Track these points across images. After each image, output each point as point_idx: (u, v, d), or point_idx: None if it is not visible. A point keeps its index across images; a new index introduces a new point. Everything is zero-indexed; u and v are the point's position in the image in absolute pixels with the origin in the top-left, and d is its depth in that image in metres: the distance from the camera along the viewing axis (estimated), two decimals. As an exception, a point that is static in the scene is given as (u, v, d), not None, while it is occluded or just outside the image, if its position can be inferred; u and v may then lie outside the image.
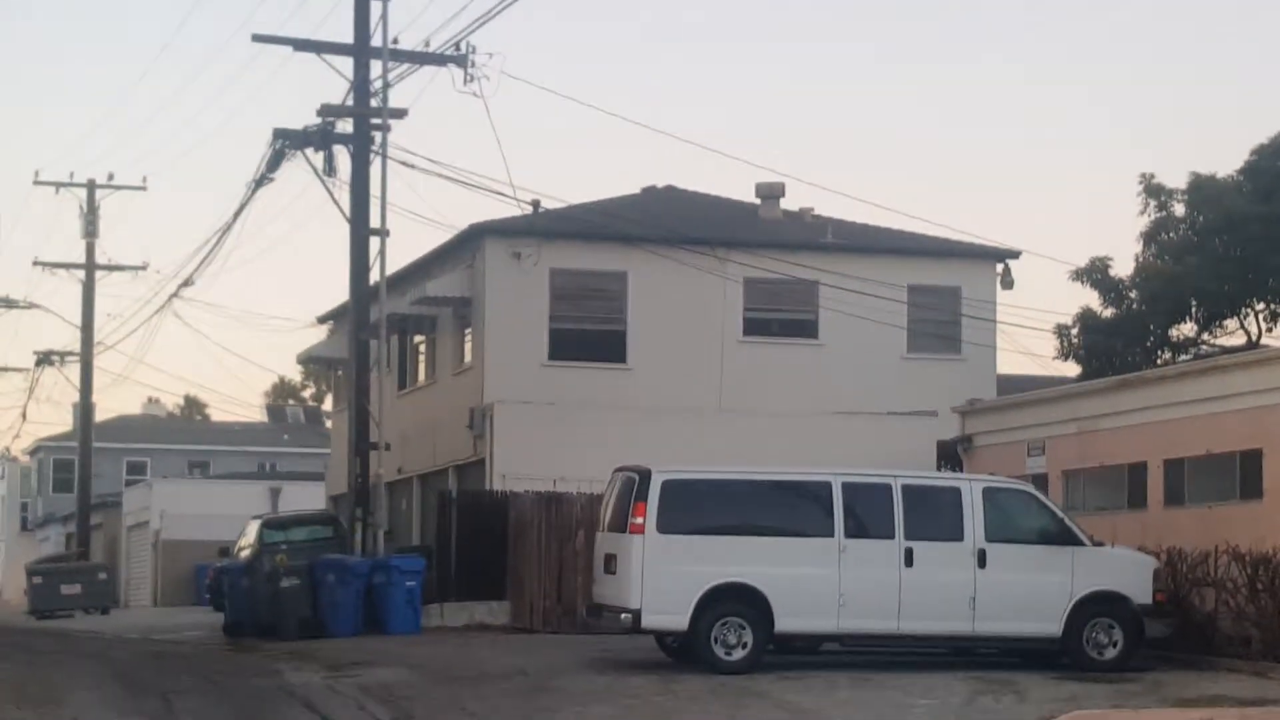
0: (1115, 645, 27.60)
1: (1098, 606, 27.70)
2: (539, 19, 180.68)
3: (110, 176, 63.94)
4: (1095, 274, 52.62)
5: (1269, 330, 50.34)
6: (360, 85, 38.47)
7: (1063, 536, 28.38)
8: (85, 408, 66.25)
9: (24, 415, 78.93)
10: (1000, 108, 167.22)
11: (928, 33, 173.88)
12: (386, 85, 39.06)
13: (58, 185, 63.56)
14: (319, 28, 44.11)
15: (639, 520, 27.00)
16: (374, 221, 38.90)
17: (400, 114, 39.86)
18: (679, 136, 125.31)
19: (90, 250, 64.90)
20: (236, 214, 45.89)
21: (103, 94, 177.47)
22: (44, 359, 70.99)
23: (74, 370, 67.23)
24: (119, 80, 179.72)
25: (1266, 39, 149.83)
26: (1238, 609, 29.20)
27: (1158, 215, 52.73)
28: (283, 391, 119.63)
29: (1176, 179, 52.94)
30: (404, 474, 44.84)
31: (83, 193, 63.89)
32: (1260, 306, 50.41)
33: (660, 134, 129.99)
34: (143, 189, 64.46)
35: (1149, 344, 50.15)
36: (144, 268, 64.45)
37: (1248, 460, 31.22)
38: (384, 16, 38.62)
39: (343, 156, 38.93)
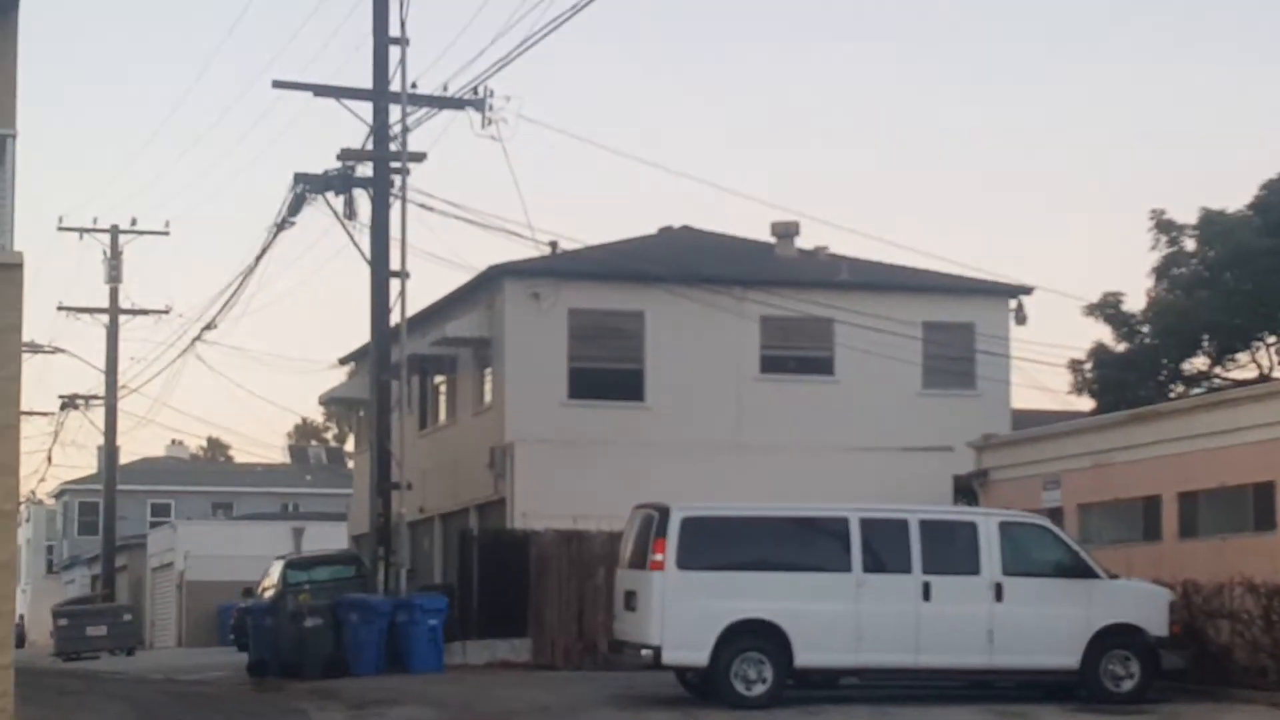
0: (1132, 677, 27.63)
1: (1114, 639, 27.71)
2: (557, 62, 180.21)
3: (133, 222, 64.15)
4: (1108, 309, 52.71)
5: (1280, 363, 50.43)
6: (379, 129, 38.49)
7: (1078, 570, 28.43)
8: (109, 451, 66.30)
9: (49, 459, 78.61)
10: (1013, 144, 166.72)
11: (940, 69, 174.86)
12: (405, 129, 39.03)
13: (81, 231, 63.67)
14: (338, 73, 44.21)
15: (659, 557, 27.09)
16: (394, 264, 38.81)
17: (419, 157, 39.89)
18: (695, 177, 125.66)
19: (114, 295, 65.10)
20: (258, 257, 46.04)
21: (126, 139, 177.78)
22: (68, 402, 71.06)
23: (98, 413, 67.20)
24: (142, 126, 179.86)
25: (1277, 74, 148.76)
26: (1253, 640, 29.19)
27: (1169, 250, 52.69)
28: (305, 433, 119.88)
29: (1187, 214, 52.95)
30: (425, 513, 44.74)
31: (106, 238, 63.98)
32: (1271, 340, 50.35)
33: (676, 175, 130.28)
34: (166, 234, 64.63)
35: (1161, 378, 50.15)
36: (167, 311, 64.77)
37: (1260, 492, 31.26)
38: (402, 61, 38.63)
39: (363, 200, 38.99)
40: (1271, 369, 49.91)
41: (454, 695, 29.84)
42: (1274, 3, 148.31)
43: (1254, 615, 29.04)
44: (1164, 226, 53.18)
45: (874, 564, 27.54)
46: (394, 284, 39.18)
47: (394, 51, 38.67)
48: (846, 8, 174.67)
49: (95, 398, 68.01)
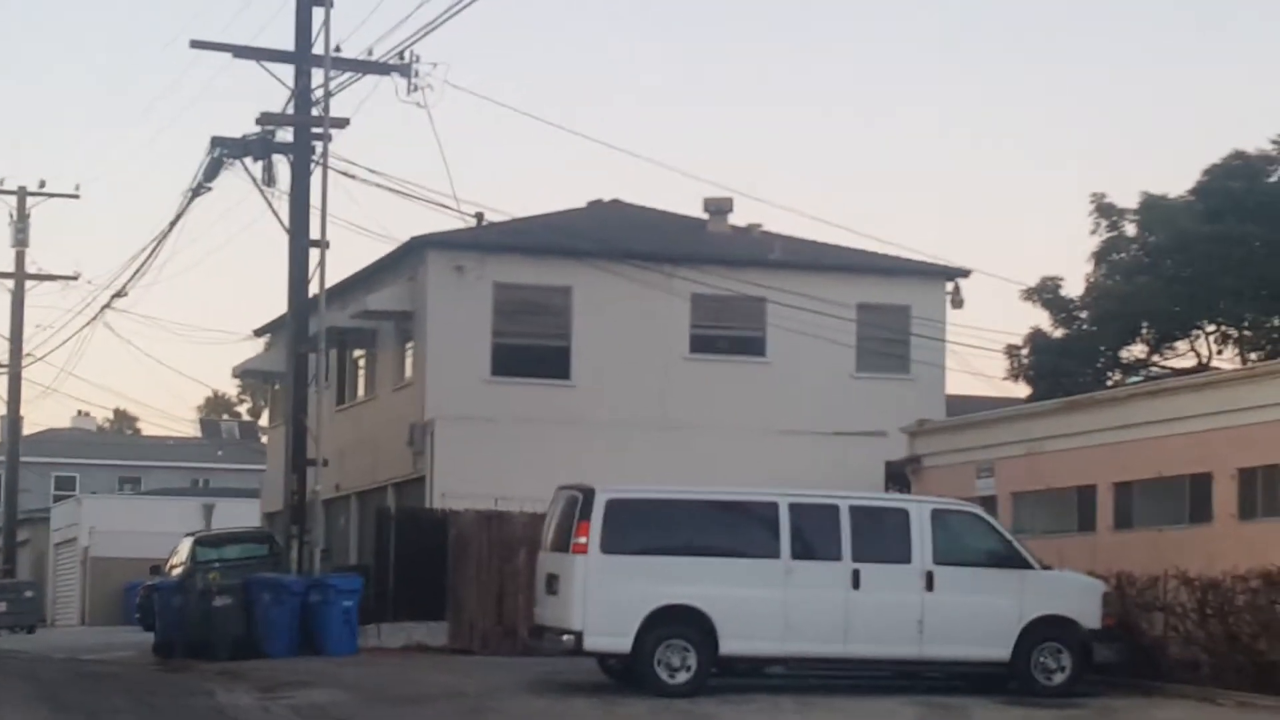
0: (1063, 670, 27.83)
1: (1046, 630, 27.91)
2: (488, 29, 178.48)
3: (42, 184, 63.78)
4: (1046, 294, 52.69)
5: (1219, 353, 50.37)
6: (301, 94, 38.23)
7: (1011, 560, 28.63)
8: (12, 421, 65.96)
9: None
10: (952, 126, 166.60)
11: (879, 51, 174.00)
12: (328, 94, 38.73)
13: (-14, 192, 63.45)
14: (259, 34, 43.92)
15: (582, 540, 27.13)
16: (314, 233, 38.51)
17: (342, 123, 39.63)
18: (626, 150, 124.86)
19: (20, 259, 64.76)
20: (172, 224, 45.57)
21: (37, 98, 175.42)
22: (-32, 370, 70.78)
23: (1, 382, 66.83)
24: (55, 85, 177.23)
25: (1218, 59, 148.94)
26: (1187, 634, 29.46)
27: (1109, 235, 52.79)
28: (217, 406, 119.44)
29: (1128, 199, 53.13)
30: (342, 491, 44.73)
31: (13, 200, 63.71)
32: (1211, 328, 50.34)
33: (607, 147, 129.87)
34: (76, 197, 64.34)
35: (1099, 365, 50.30)
36: (75, 278, 64.32)
37: (1197, 484, 31.49)
38: (326, 24, 38.21)
39: (282, 166, 38.79)
40: (1210, 358, 50.09)
41: (368, 678, 29.81)
42: None
43: (1188, 609, 29.31)
44: (1104, 210, 53.18)
45: (803, 550, 27.65)
46: (313, 254, 38.86)
47: (317, 13, 38.38)
48: None
49: (-2, 367, 67.80)
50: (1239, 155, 51.26)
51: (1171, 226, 50.54)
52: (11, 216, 62.92)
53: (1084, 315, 52.06)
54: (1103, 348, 51.36)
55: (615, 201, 48.62)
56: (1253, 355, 48.33)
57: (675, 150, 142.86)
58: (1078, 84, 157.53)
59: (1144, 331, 51.33)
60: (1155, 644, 29.67)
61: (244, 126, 39.80)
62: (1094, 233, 53.23)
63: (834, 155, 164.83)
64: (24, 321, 64.06)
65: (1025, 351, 51.75)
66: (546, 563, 28.54)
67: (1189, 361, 50.41)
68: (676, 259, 42.94)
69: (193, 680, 30.58)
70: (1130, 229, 52.32)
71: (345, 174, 40.17)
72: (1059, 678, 27.70)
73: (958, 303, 44.91)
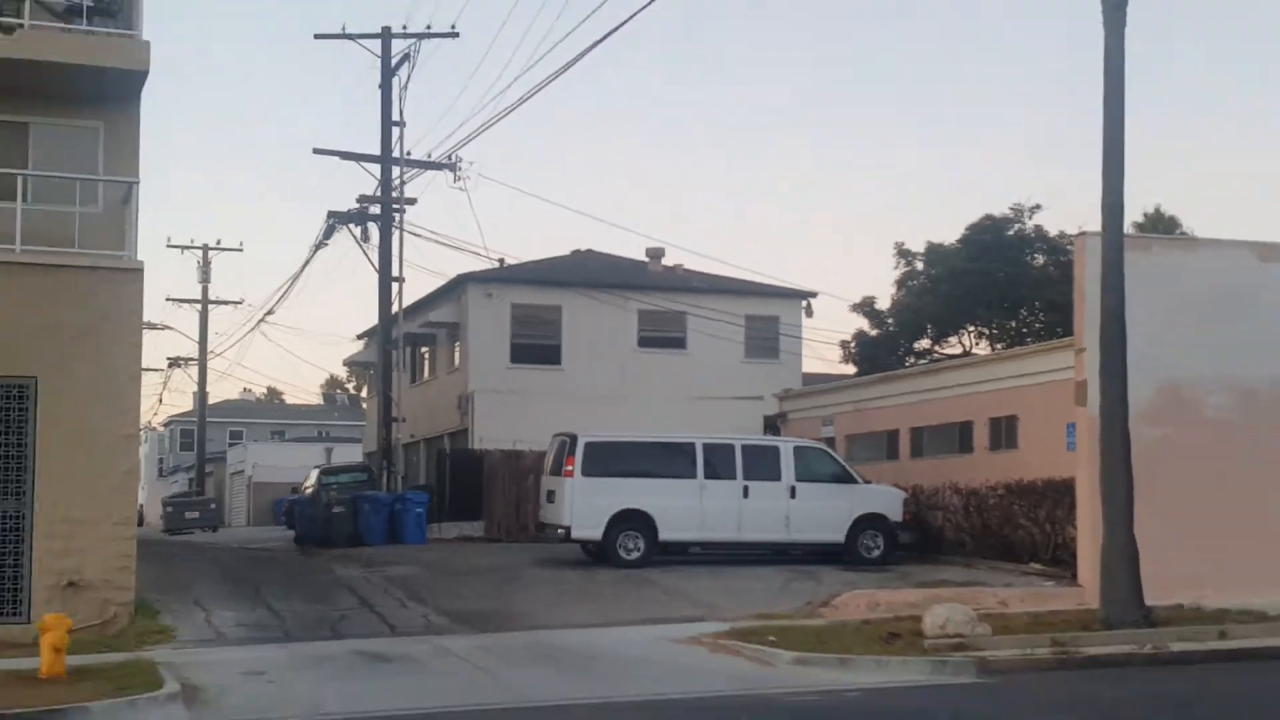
0: (879, 548, 28.54)
1: (867, 522, 28.58)
2: (507, 131, 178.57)
3: (218, 241, 63.40)
4: (865, 307, 54.19)
5: (975, 344, 51.61)
6: (385, 182, 38.49)
7: (845, 478, 29.21)
8: (201, 395, 65.68)
9: (160, 400, 79.61)
10: (810, 188, 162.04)
11: (748, 131, 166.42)
12: (402, 182, 39.17)
13: (182, 248, 63.06)
14: (358, 141, 44.23)
15: (570, 468, 27.69)
16: (395, 272, 38.95)
17: (411, 201, 40.17)
18: (595, 216, 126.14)
19: (204, 291, 64.22)
20: (303, 267, 47.63)
21: (213, 178, 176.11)
22: (174, 363, 70.88)
23: (194, 370, 67.16)
24: (223, 171, 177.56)
25: (983, 145, 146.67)
26: (957, 524, 30.04)
27: (905, 269, 54.20)
28: (333, 384, 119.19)
29: (918, 244, 54.33)
30: (414, 439, 44.63)
31: (199, 253, 63.48)
32: (970, 329, 52.04)
33: (583, 214, 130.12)
34: (240, 250, 63.96)
35: (899, 353, 51.12)
36: (240, 302, 64.77)
37: (963, 428, 31.84)
38: (400, 138, 38.79)
39: (373, 229, 39.03)
40: (970, 348, 51.12)
41: (433, 558, 30.04)
42: (985, 76, 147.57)
43: (957, 508, 29.74)
44: (903, 253, 54.76)
45: (712, 473, 28.13)
46: (394, 286, 39.36)
47: (395, 131, 38.84)
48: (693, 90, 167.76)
49: (191, 359, 67.71)
50: (989, 217, 52.57)
51: (945, 264, 51.69)
52: (198, 264, 62.61)
53: (890, 321, 53.21)
54: (902, 341, 52.50)
55: (590, 250, 48.38)
56: (998, 346, 49.06)
57: (632, 211, 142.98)
58: (890, 158, 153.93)
59: (928, 331, 52.59)
60: (937, 531, 30.21)
61: (347, 203, 40.24)
62: (896, 267, 54.87)
63: (731, 209, 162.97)
64: (208, 331, 63.76)
65: (852, 344, 52.64)
66: (547, 483, 29.11)
67: (957, 350, 51.36)
68: (628, 287, 42.92)
69: (320, 561, 30.87)
70: (919, 264, 53.41)
71: (413, 234, 41.11)
72: (876, 553, 28.44)
73: (809, 313, 45.01)
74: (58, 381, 20.83)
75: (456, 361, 43.61)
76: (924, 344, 52.33)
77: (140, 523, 26.57)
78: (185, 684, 15.96)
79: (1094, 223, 20.79)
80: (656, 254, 46.75)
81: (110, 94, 22.55)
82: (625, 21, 23.76)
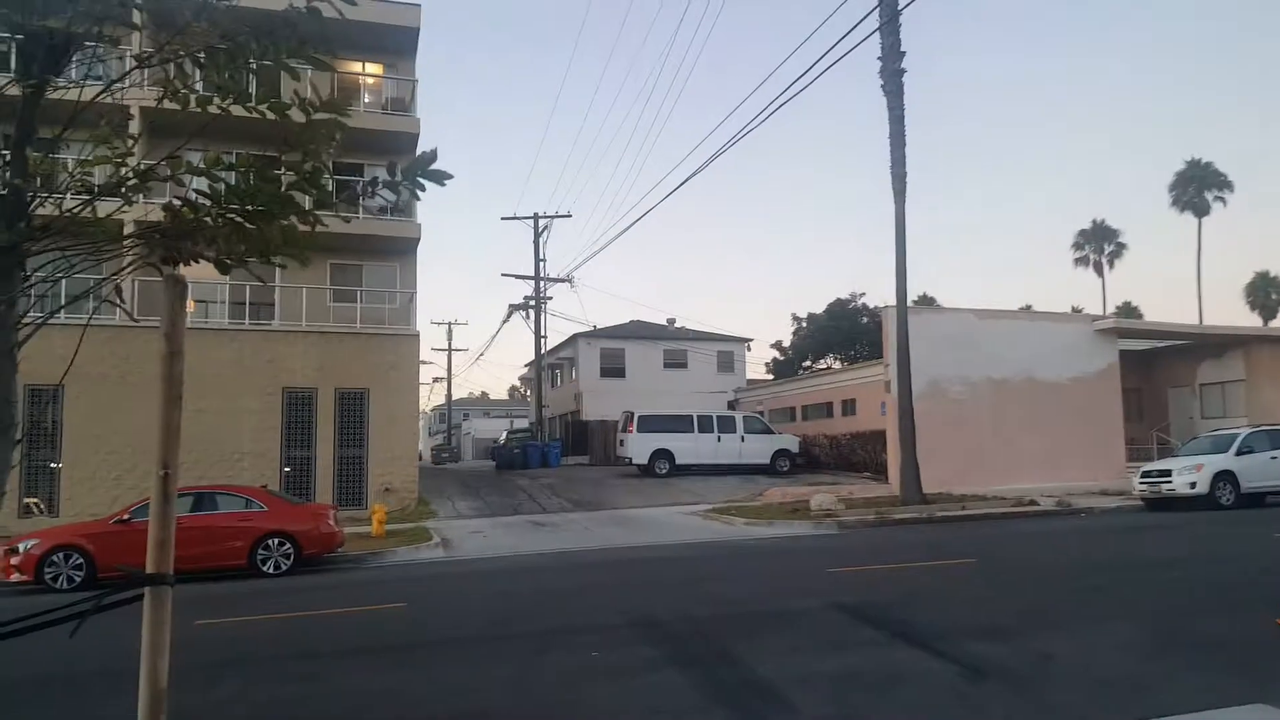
0: (786, 466, 28.06)
1: (780, 454, 28.17)
2: (598, 248, 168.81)
3: (455, 319, 63.38)
4: (778, 345, 53.00)
5: (833, 363, 50.59)
6: (537, 290, 38.37)
7: (768, 431, 28.88)
8: (449, 395, 65.19)
9: (429, 397, 76.95)
10: (745, 271, 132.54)
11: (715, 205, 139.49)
12: (545, 289, 39.17)
13: (439, 323, 62.97)
14: (524, 264, 44.27)
15: (631, 427, 27.50)
16: (542, 333, 38.85)
17: (549, 298, 40.04)
18: (640, 302, 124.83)
19: (449, 346, 64.37)
20: (497, 331, 47.78)
21: (457, 287, 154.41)
22: (436, 379, 70.68)
23: (445, 384, 66.54)
24: (462, 278, 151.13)
25: (839, 242, 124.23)
26: (826, 454, 29.60)
27: (797, 326, 53.05)
28: (514, 392, 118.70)
29: (802, 310, 53.56)
30: (553, 415, 44.48)
31: (446, 327, 63.36)
32: (831, 356, 50.95)
33: (636, 303, 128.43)
34: (466, 324, 64.15)
35: (797, 369, 50.48)
36: (466, 349, 64.29)
37: (829, 405, 31.61)
38: (544, 259, 39.03)
39: (531, 313, 39.12)
40: (830, 365, 50.17)
41: (563, 475, 29.81)
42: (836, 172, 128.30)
43: (826, 445, 29.42)
44: (796, 318, 53.71)
45: (703, 429, 27.92)
46: (542, 341, 39.25)
47: (541, 264, 38.89)
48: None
49: (441, 378, 67.33)
50: (838, 299, 51.49)
51: (816, 323, 50.75)
52: (447, 332, 62.37)
53: (790, 350, 52.26)
54: (796, 362, 51.52)
55: (637, 320, 48.33)
56: (844, 363, 48.22)
57: (658, 291, 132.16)
58: (788, 259, 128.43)
59: (809, 357, 51.55)
60: (816, 458, 29.78)
61: (518, 298, 40.29)
62: (793, 325, 53.51)
63: (707, 284, 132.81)
64: (451, 363, 63.44)
65: (771, 364, 51.89)
66: (621, 436, 28.77)
67: (824, 366, 50.50)
68: (657, 338, 42.87)
69: (507, 477, 30.46)
70: (804, 323, 52.46)
71: (552, 314, 41.10)
72: (784, 469, 27.97)
73: (748, 349, 44.75)
74: (377, 391, 21.15)
75: (573, 377, 43.53)
76: (808, 363, 51.79)
77: (420, 459, 26.79)
78: (443, 538, 16.13)
79: (892, 299, 20.81)
80: (671, 320, 47.01)
81: (400, 250, 22.95)
82: (665, 198, 23.84)
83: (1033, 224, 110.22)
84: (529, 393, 68.92)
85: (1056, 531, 15.01)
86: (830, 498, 18.95)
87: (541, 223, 38.67)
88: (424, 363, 65.56)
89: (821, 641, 7.12)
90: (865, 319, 50.28)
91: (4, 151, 2.39)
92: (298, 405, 20.70)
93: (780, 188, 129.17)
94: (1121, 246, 56.55)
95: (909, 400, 19.83)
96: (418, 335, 22.20)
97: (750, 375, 45.26)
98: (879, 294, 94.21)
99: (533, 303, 38.91)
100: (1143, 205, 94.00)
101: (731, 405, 38.98)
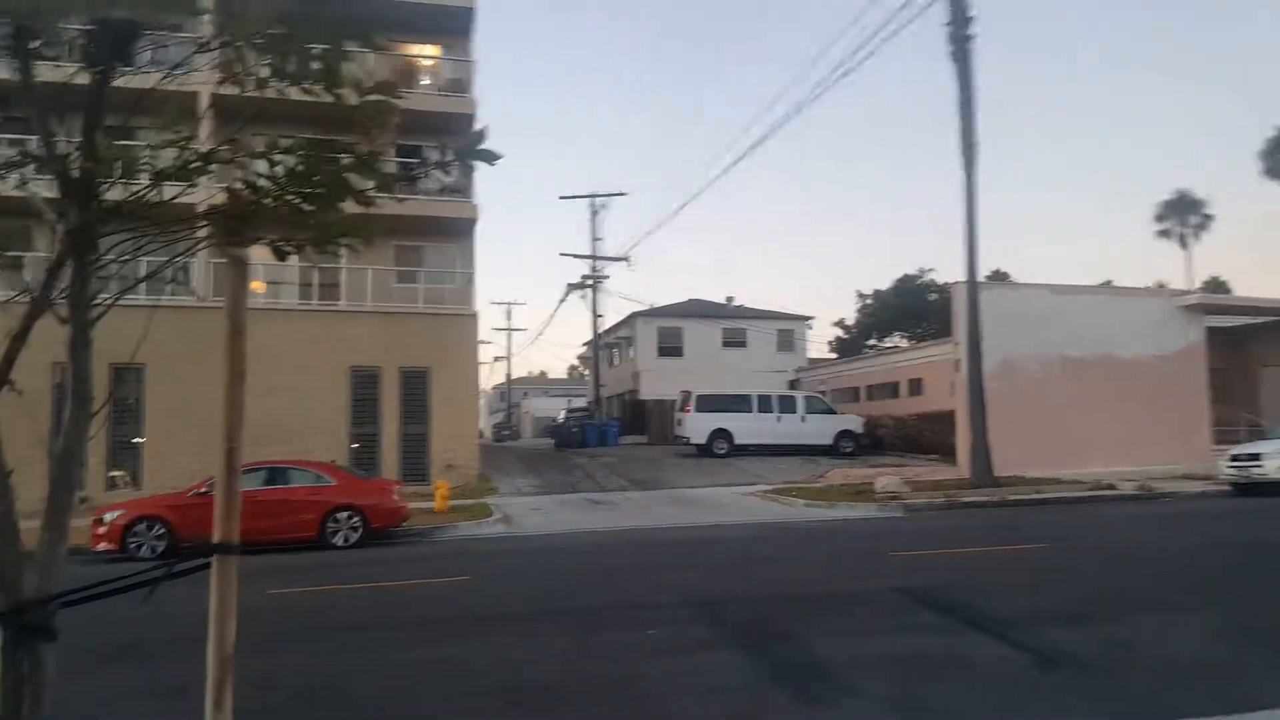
0: (850, 448, 27.75)
1: (843, 435, 27.83)
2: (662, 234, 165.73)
3: (514, 299, 64.06)
4: (841, 323, 52.57)
5: (899, 342, 49.89)
6: (595, 269, 38.71)
7: (830, 411, 28.55)
8: (508, 375, 66.01)
9: (490, 375, 77.61)
10: (810, 250, 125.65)
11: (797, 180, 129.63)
12: (602, 268, 39.35)
13: (498, 303, 63.80)
14: (582, 242, 44.52)
15: (689, 407, 27.51)
16: (601, 312, 39.20)
17: (606, 276, 40.21)
18: (697, 278, 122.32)
19: (509, 326, 65.28)
20: (555, 310, 48.94)
21: (511, 269, 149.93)
22: (498, 358, 71.83)
23: (506, 362, 67.50)
24: (524, 264, 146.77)
25: (907, 220, 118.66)
26: (891, 435, 29.24)
27: (862, 303, 52.44)
28: (571, 371, 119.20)
29: (868, 286, 52.75)
30: (610, 394, 44.81)
31: (507, 308, 64.27)
32: (896, 334, 50.13)
33: (688, 280, 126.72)
34: (525, 304, 64.89)
35: (862, 348, 49.84)
36: (525, 329, 64.87)
37: (897, 386, 31.16)
38: (601, 238, 39.14)
39: (589, 292, 39.29)
40: (897, 345, 49.44)
41: (621, 453, 30.00)
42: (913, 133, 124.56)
43: (891, 426, 29.03)
44: (860, 295, 53.05)
45: (763, 409, 27.77)
46: (598, 319, 39.60)
47: (597, 243, 38.99)
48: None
49: (502, 357, 68.60)
50: (905, 276, 50.75)
51: (883, 300, 50.13)
52: (506, 313, 63.17)
53: (854, 329, 51.60)
54: (864, 341, 50.84)
55: (697, 299, 48.12)
56: (911, 342, 47.51)
57: (718, 269, 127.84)
58: (854, 234, 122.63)
59: (874, 336, 50.84)
60: (880, 439, 29.40)
61: (575, 277, 40.56)
62: (857, 301, 52.96)
63: (767, 264, 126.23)
64: (511, 343, 64.46)
65: (834, 343, 51.39)
66: (679, 415, 28.73)
67: (892, 343, 49.75)
68: (714, 316, 42.65)
69: (566, 455, 30.82)
70: (870, 299, 51.74)
71: (608, 293, 41.34)
72: (847, 450, 27.65)
73: (810, 328, 44.38)
74: (439, 369, 21.54)
75: (631, 356, 43.67)
76: (872, 342, 51.05)
77: (480, 436, 27.32)
78: (503, 514, 16.41)
79: (962, 275, 20.31)
80: (730, 299, 46.74)
81: (459, 231, 23.24)
82: (722, 173, 23.61)
83: (1111, 196, 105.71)
84: (587, 372, 69.36)
85: (1136, 516, 14.54)
86: (895, 480, 18.68)
87: (598, 201, 38.77)
88: (483, 342, 66.40)
89: (884, 625, 7.05)
90: (933, 295, 49.19)
91: (76, 138, 2.49)
92: (364, 384, 21.23)
93: (844, 162, 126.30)
94: (1207, 218, 54.12)
95: (979, 379, 19.38)
96: (477, 315, 22.51)
97: (812, 354, 44.81)
98: (948, 270, 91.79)
99: (590, 282, 39.09)
100: (1230, 175, 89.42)
101: (792, 385, 38.61)
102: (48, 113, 2.42)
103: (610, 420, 37.72)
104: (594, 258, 38.70)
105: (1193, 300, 24.61)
